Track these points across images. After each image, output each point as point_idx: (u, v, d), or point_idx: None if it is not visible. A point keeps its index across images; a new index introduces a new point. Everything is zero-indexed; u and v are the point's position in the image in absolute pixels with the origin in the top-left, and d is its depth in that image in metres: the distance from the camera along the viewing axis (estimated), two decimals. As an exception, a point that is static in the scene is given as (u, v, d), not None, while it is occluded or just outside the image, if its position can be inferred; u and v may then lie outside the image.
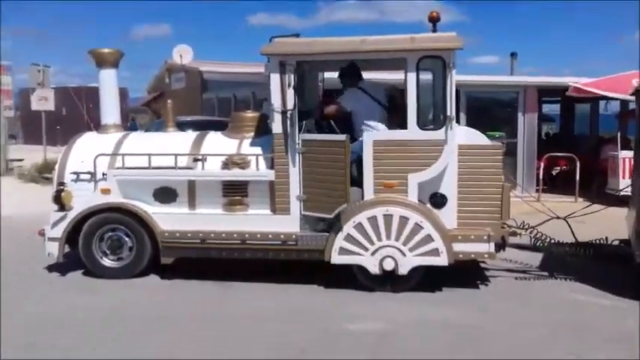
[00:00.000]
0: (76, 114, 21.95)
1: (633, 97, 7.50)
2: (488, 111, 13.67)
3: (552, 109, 19.57)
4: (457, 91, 10.88)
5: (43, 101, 16.63)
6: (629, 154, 10.93)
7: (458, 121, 10.70)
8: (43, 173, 14.89)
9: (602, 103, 14.62)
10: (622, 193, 8.20)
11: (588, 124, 15.65)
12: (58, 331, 4.93)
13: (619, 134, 11.70)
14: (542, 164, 12.17)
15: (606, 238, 6.64)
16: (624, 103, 12.94)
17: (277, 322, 5.16)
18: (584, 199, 10.70)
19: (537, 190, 11.52)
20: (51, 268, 6.65)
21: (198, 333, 4.92)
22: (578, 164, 11.65)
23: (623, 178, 11.01)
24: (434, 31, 5.93)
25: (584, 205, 7.28)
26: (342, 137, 5.60)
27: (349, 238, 5.75)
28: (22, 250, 7.38)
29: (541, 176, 12.03)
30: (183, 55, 17.89)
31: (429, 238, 5.66)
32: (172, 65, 20.05)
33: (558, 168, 13.19)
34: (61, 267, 6.57)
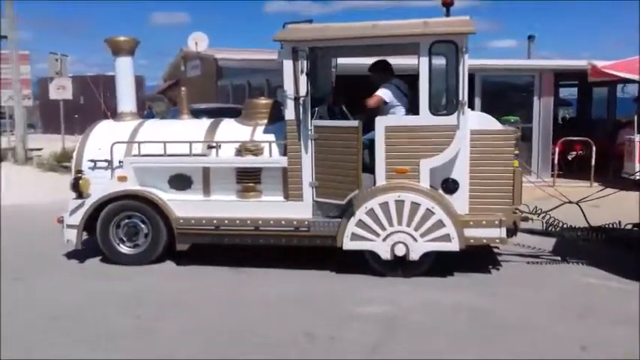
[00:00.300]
0: (93, 103, 22.28)
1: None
2: (504, 95, 13.59)
3: (571, 93, 19.39)
4: (472, 76, 10.91)
5: (61, 90, 16.82)
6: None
7: (472, 106, 10.76)
8: (61, 162, 15.10)
9: (619, 86, 14.44)
10: (638, 177, 8.14)
11: (605, 107, 15.48)
12: (76, 317, 5.06)
13: (636, 117, 11.57)
14: (557, 149, 12.09)
15: (619, 222, 6.62)
16: (641, 86, 12.79)
17: (289, 306, 5.25)
18: (600, 184, 10.65)
19: (552, 175, 11.47)
20: (69, 255, 6.80)
21: (212, 317, 5.02)
22: (594, 149, 11.56)
23: (639, 162, 10.93)
24: (447, 15, 5.92)
25: (599, 189, 7.25)
26: (355, 123, 5.65)
27: (361, 223, 5.80)
28: (41, 238, 7.54)
29: (556, 161, 11.97)
30: (198, 42, 17.99)
31: (440, 224, 5.69)
32: (188, 53, 20.17)
33: (574, 153, 13.09)
34: (80, 254, 6.70)
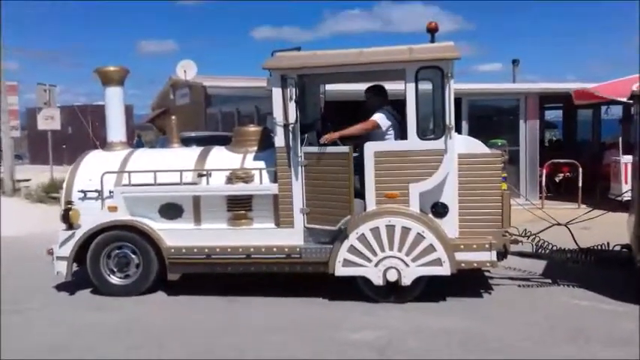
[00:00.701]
0: (81, 132, 22.21)
1: (632, 101, 7.55)
2: (490, 119, 13.74)
3: (556, 115, 19.63)
4: (459, 100, 11.02)
5: (50, 120, 16.78)
6: (632, 158, 10.97)
7: (460, 130, 10.86)
8: (50, 193, 15.01)
9: (603, 107, 14.65)
10: (625, 199, 8.22)
11: (591, 129, 15.68)
12: (67, 348, 5.01)
13: (621, 139, 11.73)
14: (544, 171, 12.21)
15: (607, 243, 6.67)
16: (626, 107, 12.99)
17: (282, 333, 5.23)
18: (587, 206, 10.73)
19: (540, 198, 11.55)
20: (60, 287, 6.73)
21: (203, 346, 4.99)
22: (580, 170, 11.68)
23: (626, 183, 11.03)
24: (432, 41, 6.02)
25: (587, 211, 7.32)
26: (345, 149, 5.72)
27: (352, 249, 5.81)
28: (30, 270, 7.47)
29: (544, 183, 12.07)
30: (187, 70, 18.06)
31: (431, 248, 5.72)
32: (176, 81, 20.22)
33: (561, 174, 13.23)
34: (70, 285, 6.64)
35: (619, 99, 11.59)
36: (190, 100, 20.25)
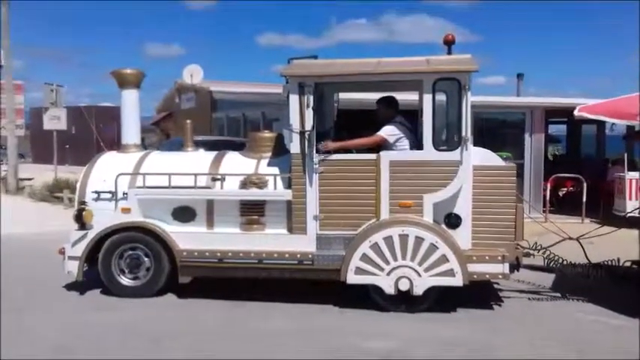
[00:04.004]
0: (85, 133, 22.25)
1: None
2: (496, 132, 13.78)
3: (557, 129, 19.70)
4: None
5: (55, 121, 16.81)
6: (636, 175, 11.04)
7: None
8: (53, 192, 15.02)
9: (607, 123, 14.70)
10: (629, 215, 8.26)
11: (594, 145, 15.74)
12: (72, 349, 5.02)
13: (626, 155, 11.79)
14: (548, 185, 12.25)
15: (618, 259, 6.71)
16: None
17: (291, 339, 5.24)
18: (591, 220, 10.78)
19: (544, 211, 11.59)
20: (69, 287, 6.73)
21: (210, 350, 5.01)
22: (585, 185, 11.73)
23: (630, 199, 11.09)
24: (449, 53, 6.07)
25: (591, 226, 7.37)
26: (373, 156, 5.85)
27: (365, 257, 5.83)
28: (35, 269, 7.46)
29: (548, 197, 12.11)
30: (194, 74, 18.12)
31: (444, 259, 5.74)
32: (182, 85, 20.29)
33: (565, 189, 13.27)
34: (78, 285, 6.63)
35: (623, 122, 11.64)
36: (196, 104, 20.30)
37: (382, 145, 6.13)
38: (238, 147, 7.59)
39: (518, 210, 5.95)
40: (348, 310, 6.01)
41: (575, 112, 11.99)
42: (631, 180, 11.26)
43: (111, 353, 4.92)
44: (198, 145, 7.54)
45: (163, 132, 22.89)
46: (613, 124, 14.14)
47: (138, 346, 5.06)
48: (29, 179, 17.79)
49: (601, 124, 14.94)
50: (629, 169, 11.40)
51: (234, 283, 6.54)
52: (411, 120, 6.40)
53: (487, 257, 5.80)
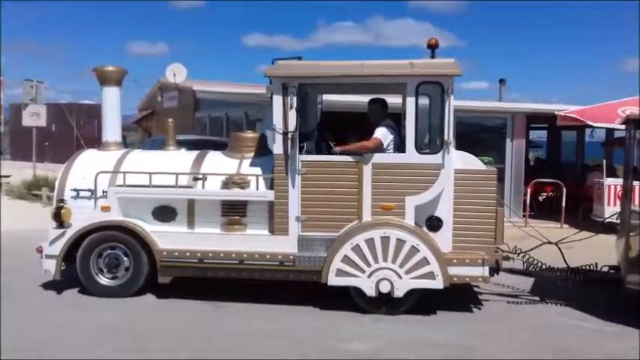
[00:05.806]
0: (65, 130, 21.99)
1: (621, 126, 7.70)
2: (477, 136, 13.87)
3: (538, 135, 19.92)
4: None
5: (35, 117, 16.57)
6: (615, 181, 11.18)
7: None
8: (32, 190, 14.80)
9: (587, 130, 14.92)
10: (607, 221, 8.37)
11: (574, 150, 15.93)
12: (50, 349, 4.96)
13: (604, 162, 11.94)
14: (529, 190, 12.37)
15: (596, 264, 6.78)
16: (610, 131, 13.25)
17: (272, 341, 5.22)
18: (570, 225, 10.90)
19: (524, 216, 11.69)
20: (46, 286, 6.64)
21: (189, 350, 4.97)
22: (564, 190, 11.85)
23: (608, 205, 11.23)
24: (432, 57, 6.10)
25: (569, 230, 7.44)
26: (356, 158, 5.86)
27: (346, 259, 5.83)
28: (12, 267, 7.35)
29: (528, 202, 12.22)
30: (177, 73, 17.98)
31: (424, 261, 5.76)
32: (165, 84, 20.13)
33: (545, 194, 13.40)
34: (56, 285, 6.55)
35: (605, 126, 11.82)
36: (178, 103, 20.16)
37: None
38: (220, 147, 7.54)
39: (498, 214, 6.00)
40: (328, 312, 6.00)
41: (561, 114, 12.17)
42: (609, 186, 11.39)
43: (89, 353, 4.86)
44: (180, 144, 7.49)
45: (145, 131, 22.72)
46: (592, 130, 14.48)
47: (117, 346, 5.01)
48: (7, 176, 17.49)
49: (581, 131, 15.17)
50: (608, 176, 11.53)
51: (214, 283, 6.50)
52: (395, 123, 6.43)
53: (467, 260, 5.83)
